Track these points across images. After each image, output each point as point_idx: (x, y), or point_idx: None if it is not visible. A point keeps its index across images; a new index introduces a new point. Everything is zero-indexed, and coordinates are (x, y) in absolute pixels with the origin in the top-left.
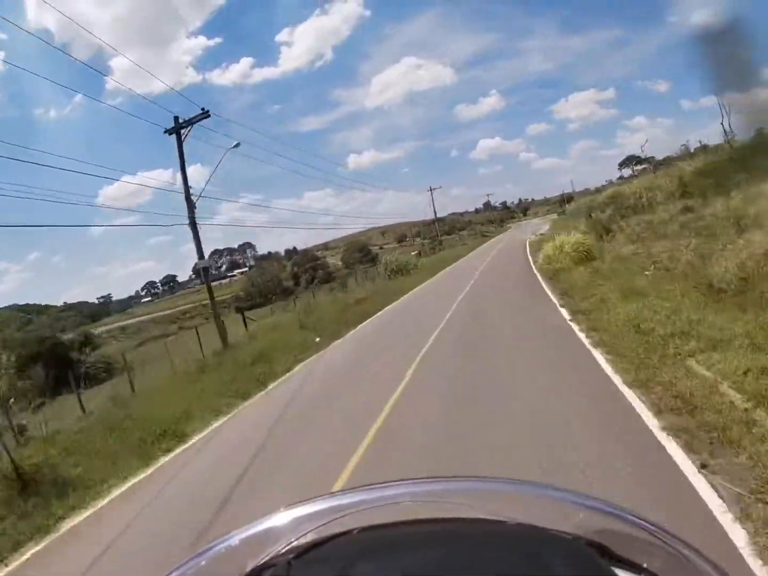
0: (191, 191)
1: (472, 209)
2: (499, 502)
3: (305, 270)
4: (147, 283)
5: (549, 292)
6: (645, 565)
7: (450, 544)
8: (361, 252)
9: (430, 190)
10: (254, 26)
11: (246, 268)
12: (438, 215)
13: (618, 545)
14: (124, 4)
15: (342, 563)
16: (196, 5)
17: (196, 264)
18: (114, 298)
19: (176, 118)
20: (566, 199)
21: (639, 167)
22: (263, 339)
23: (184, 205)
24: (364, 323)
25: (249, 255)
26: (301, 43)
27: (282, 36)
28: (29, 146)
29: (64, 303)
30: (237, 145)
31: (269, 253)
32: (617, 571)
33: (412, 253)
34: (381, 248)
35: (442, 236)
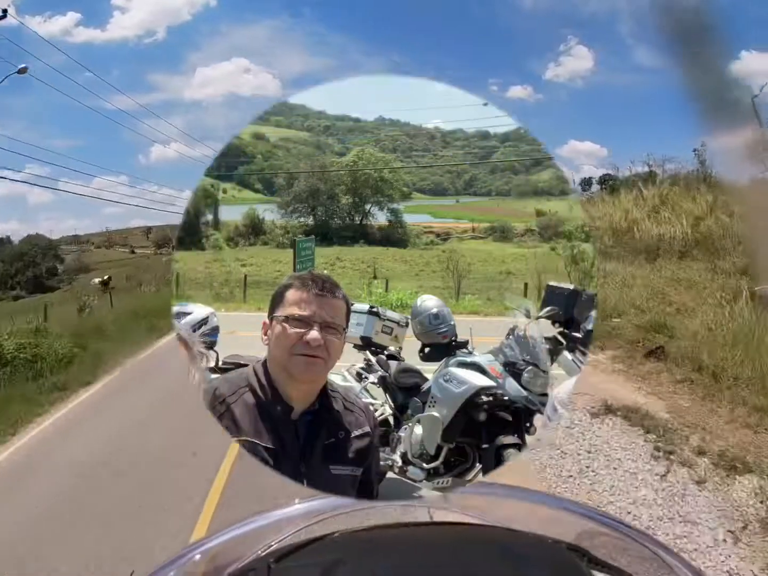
0: None
1: None
2: (480, 506)
3: None
4: None
5: None
6: (625, 568)
7: (429, 548)
8: None
9: None
10: None
11: None
12: None
13: (598, 549)
14: None
15: (321, 567)
16: None
17: None
18: None
19: None
20: None
21: None
22: None
23: None
24: None
25: None
26: (136, 13)
27: (119, 0)
28: None
29: None
30: (23, 70)
31: None
32: (597, 574)
33: None
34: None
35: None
